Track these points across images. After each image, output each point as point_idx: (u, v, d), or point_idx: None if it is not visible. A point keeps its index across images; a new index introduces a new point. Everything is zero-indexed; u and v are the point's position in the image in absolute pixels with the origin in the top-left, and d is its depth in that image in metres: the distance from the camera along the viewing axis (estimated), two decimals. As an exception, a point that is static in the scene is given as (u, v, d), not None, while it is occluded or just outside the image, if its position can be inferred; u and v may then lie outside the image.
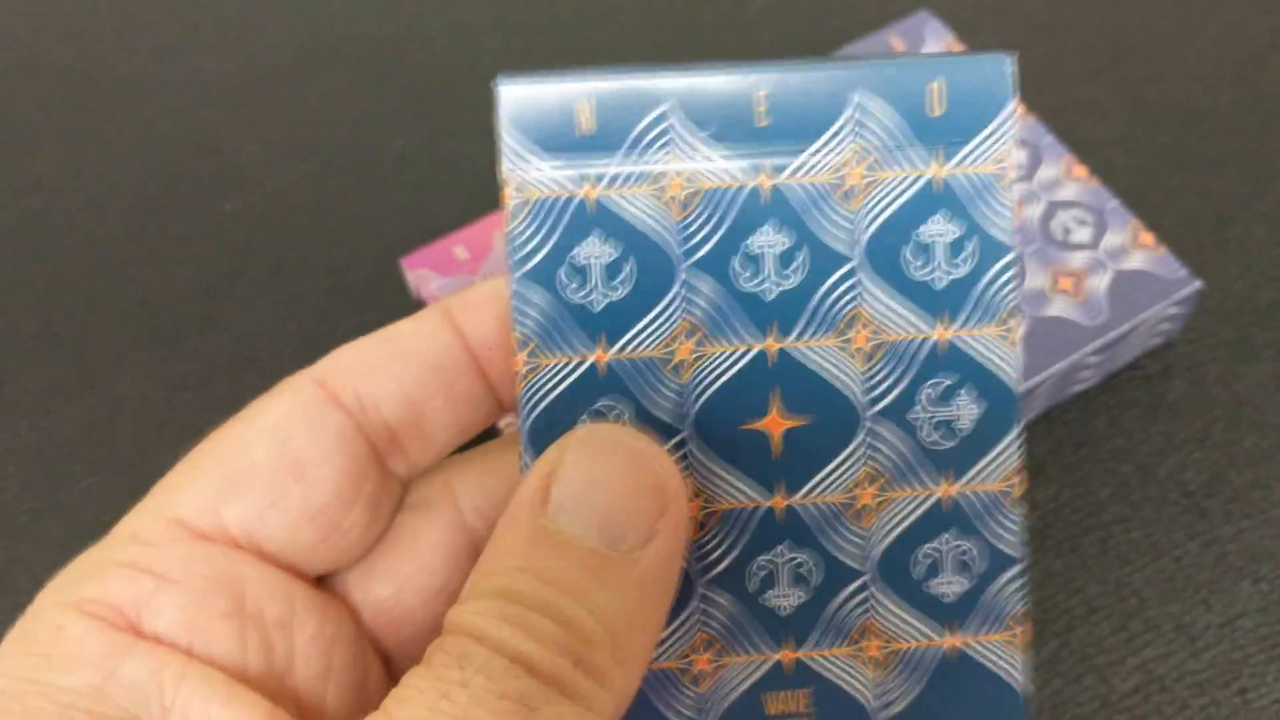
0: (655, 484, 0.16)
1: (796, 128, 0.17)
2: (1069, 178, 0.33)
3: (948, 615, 0.18)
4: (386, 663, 0.20)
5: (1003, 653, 0.18)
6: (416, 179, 0.38)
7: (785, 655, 0.17)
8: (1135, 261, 0.31)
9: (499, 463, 0.21)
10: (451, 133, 0.39)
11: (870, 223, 0.17)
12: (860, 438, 0.18)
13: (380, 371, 0.19)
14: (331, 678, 0.18)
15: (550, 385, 0.17)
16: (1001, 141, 0.17)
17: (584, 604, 0.15)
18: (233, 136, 0.39)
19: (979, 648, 0.18)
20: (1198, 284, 0.30)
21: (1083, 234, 0.31)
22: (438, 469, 0.20)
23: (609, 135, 0.17)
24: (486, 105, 0.39)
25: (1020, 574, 0.18)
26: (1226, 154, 0.36)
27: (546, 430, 0.17)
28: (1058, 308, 0.30)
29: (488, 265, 0.32)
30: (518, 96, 0.17)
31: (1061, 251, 0.31)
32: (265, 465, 0.18)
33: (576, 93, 0.17)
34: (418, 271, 0.32)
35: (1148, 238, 0.31)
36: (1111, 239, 0.31)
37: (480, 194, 0.37)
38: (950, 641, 0.18)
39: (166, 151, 0.39)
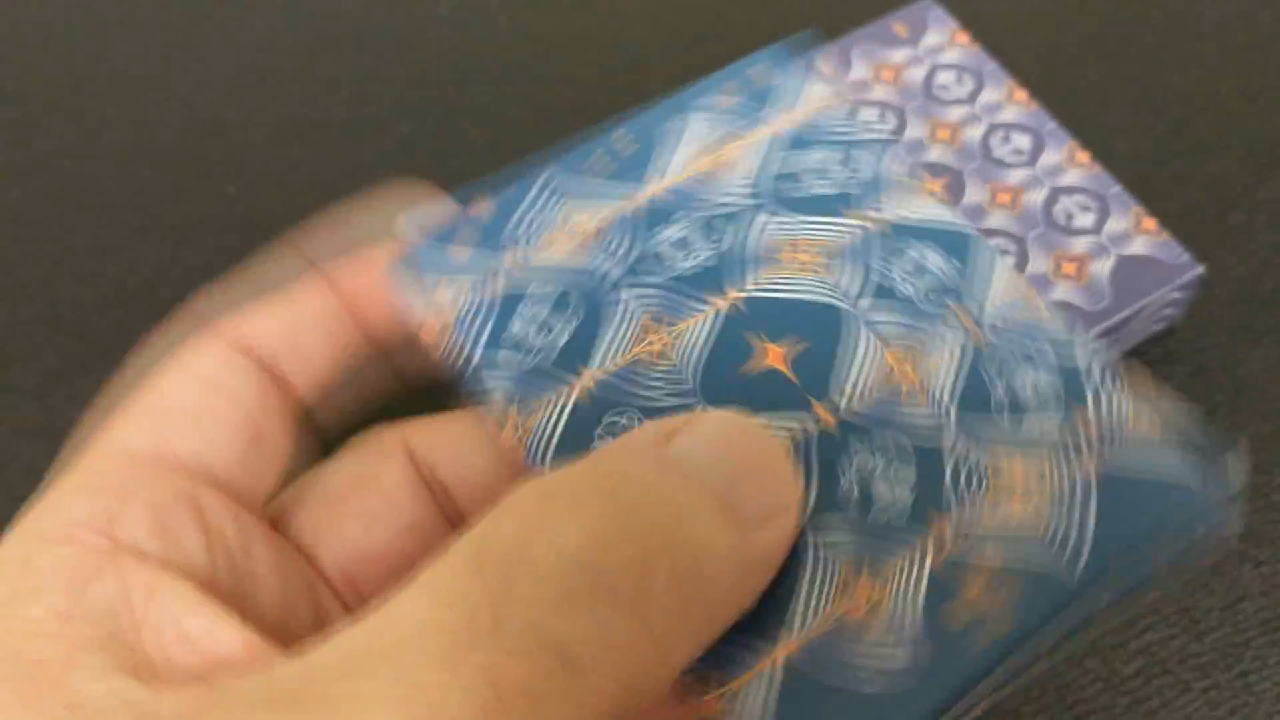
0: (783, 476, 0.15)
1: (653, 150, 0.20)
2: (1072, 164, 0.33)
3: (1061, 407, 0.16)
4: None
5: (1144, 417, 0.16)
6: (422, 163, 0.38)
7: (941, 538, 0.16)
8: (1138, 247, 0.31)
9: (451, 421, 0.21)
10: (457, 117, 0.39)
11: (756, 175, 0.19)
12: (860, 330, 0.18)
13: (260, 313, 0.20)
14: (291, 611, 0.18)
15: (548, 432, 0.17)
16: (817, 91, 0.20)
17: (695, 527, 0.14)
18: (238, 120, 0.39)
19: (1117, 426, 0.16)
20: (1200, 269, 0.30)
21: (1085, 219, 0.32)
22: (392, 426, 0.21)
23: (497, 232, 0.19)
24: (492, 89, 0.39)
25: (1090, 343, 0.17)
26: (1229, 141, 0.36)
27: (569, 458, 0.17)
28: (1060, 292, 0.30)
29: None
30: (407, 245, 0.19)
31: (1064, 236, 0.31)
32: (190, 389, 0.18)
33: (458, 215, 0.19)
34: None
35: (1150, 223, 0.31)
36: (1114, 224, 0.31)
37: (485, 179, 0.37)
38: (1086, 428, 0.16)
39: (171, 134, 0.39)
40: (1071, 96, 0.37)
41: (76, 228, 0.37)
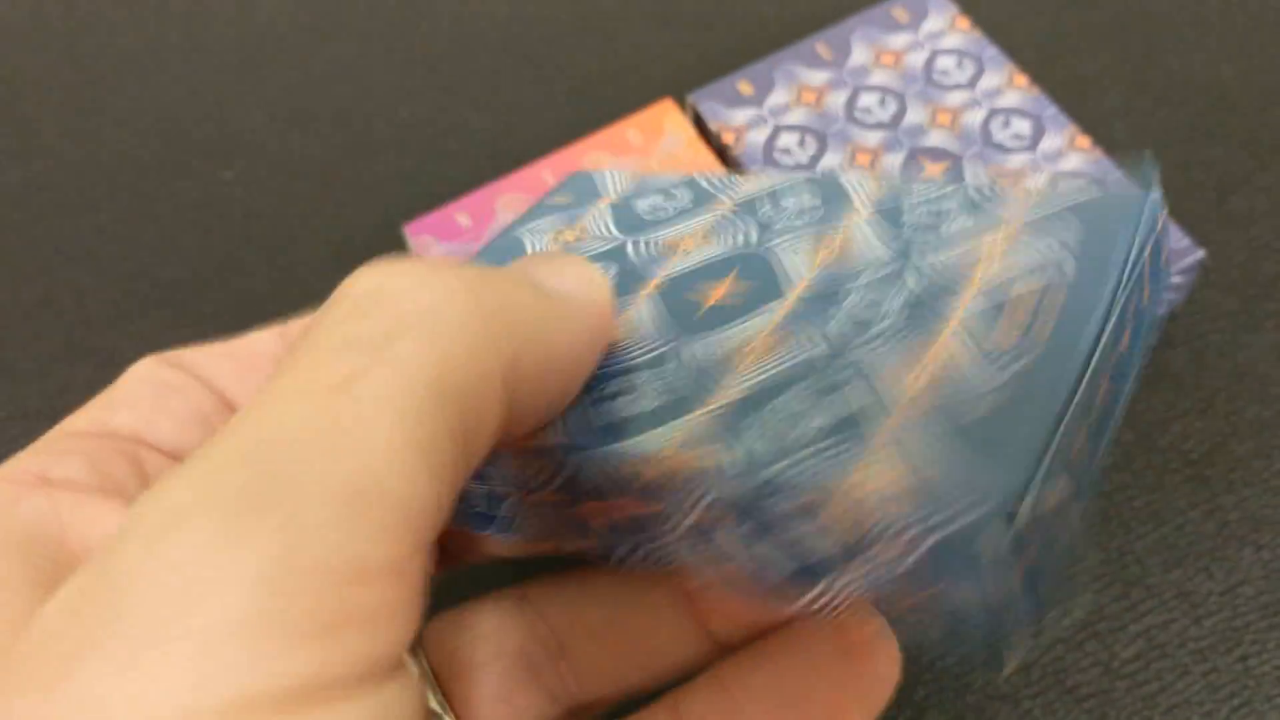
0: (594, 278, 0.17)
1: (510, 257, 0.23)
2: (1072, 149, 0.32)
3: (987, 220, 0.18)
4: None
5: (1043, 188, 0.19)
6: (420, 147, 0.38)
7: (957, 305, 0.17)
8: (1138, 231, 0.31)
9: None
10: (456, 101, 0.39)
11: (614, 226, 0.22)
12: (779, 253, 0.19)
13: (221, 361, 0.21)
14: None
15: None
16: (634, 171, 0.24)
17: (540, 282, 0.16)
18: (236, 103, 0.39)
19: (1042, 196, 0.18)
20: (1200, 253, 0.30)
21: (1086, 204, 0.31)
22: None
23: None
24: (491, 73, 0.39)
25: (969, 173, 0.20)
26: (1229, 127, 0.36)
27: None
28: (1061, 276, 0.30)
29: (491, 233, 0.32)
30: None
31: (1065, 221, 0.31)
32: (144, 386, 0.19)
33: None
34: (420, 238, 0.32)
35: (1151, 208, 0.31)
36: (1115, 209, 0.31)
37: (485, 164, 0.37)
38: (1009, 227, 0.18)
39: (169, 117, 0.39)
40: (1072, 82, 0.37)
41: (73, 211, 0.37)
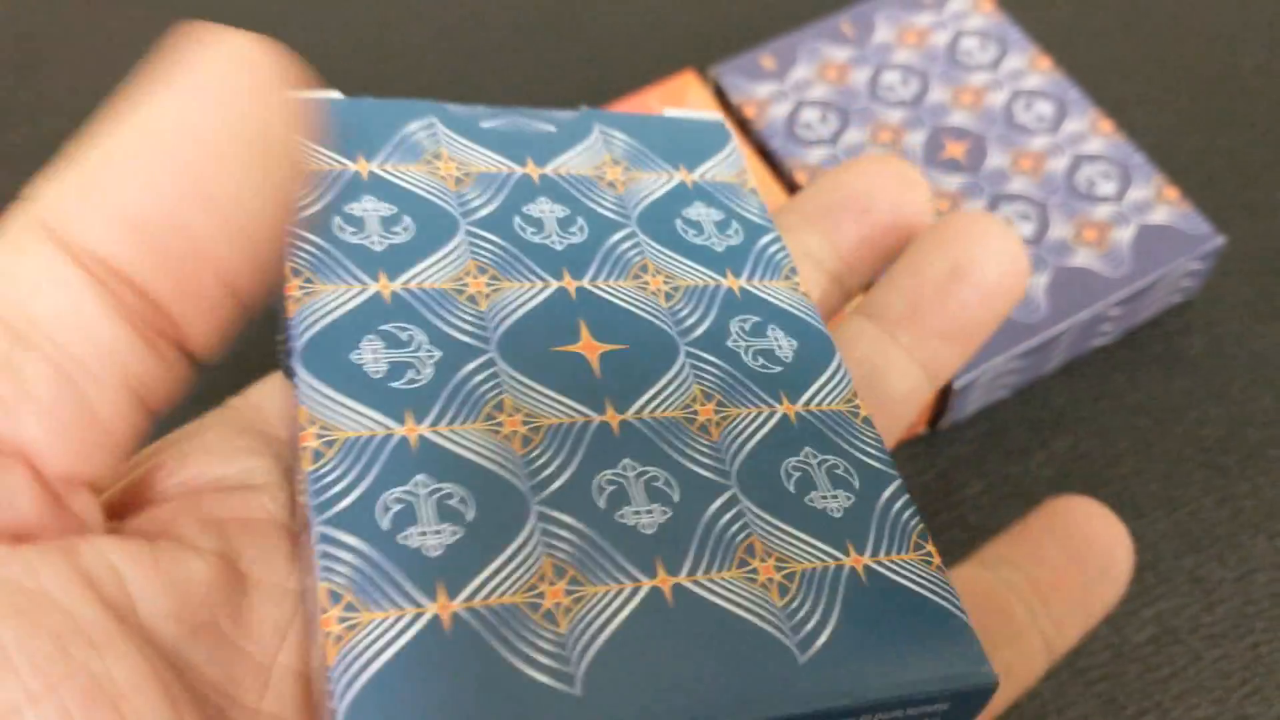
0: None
1: (553, 142, 0.20)
2: (1095, 132, 0.32)
3: (841, 532, 0.16)
4: None
5: (921, 572, 0.16)
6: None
7: (661, 581, 0.15)
8: (1159, 216, 0.31)
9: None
10: (475, 67, 0.38)
11: (637, 204, 0.19)
12: (681, 360, 0.17)
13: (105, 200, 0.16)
14: None
15: (328, 309, 0.16)
16: (731, 164, 0.21)
17: None
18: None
19: (892, 566, 0.16)
20: (1221, 239, 0.30)
21: (1107, 187, 0.31)
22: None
23: (371, 136, 0.19)
24: (511, 38, 0.39)
25: (902, 490, 0.16)
26: (1250, 115, 0.36)
27: (326, 348, 0.16)
28: (1081, 258, 0.30)
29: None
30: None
31: (1086, 203, 0.31)
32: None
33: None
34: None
35: (1172, 193, 0.31)
36: (1136, 193, 0.31)
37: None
38: (855, 560, 0.15)
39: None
40: (1093, 66, 0.37)
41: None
